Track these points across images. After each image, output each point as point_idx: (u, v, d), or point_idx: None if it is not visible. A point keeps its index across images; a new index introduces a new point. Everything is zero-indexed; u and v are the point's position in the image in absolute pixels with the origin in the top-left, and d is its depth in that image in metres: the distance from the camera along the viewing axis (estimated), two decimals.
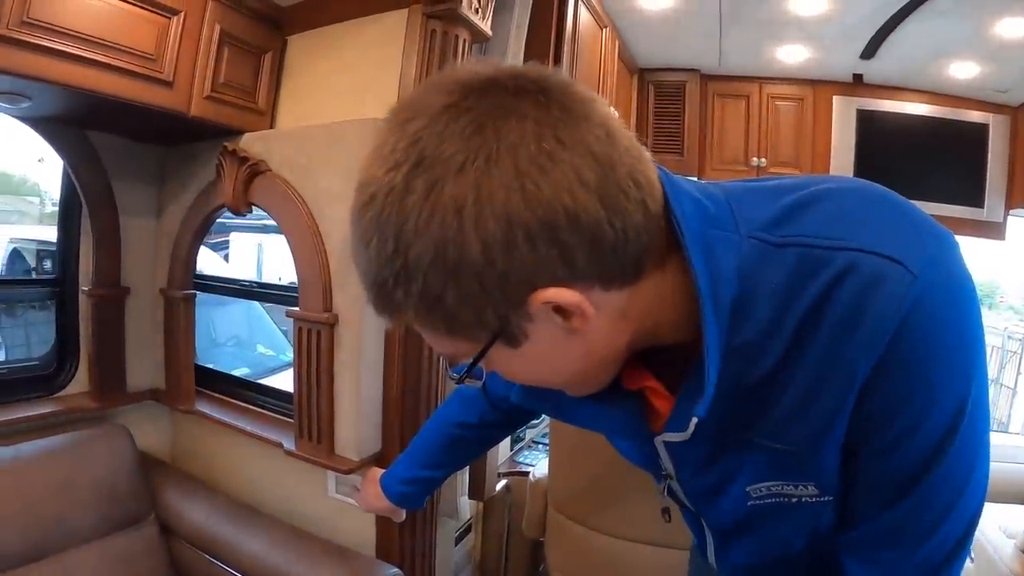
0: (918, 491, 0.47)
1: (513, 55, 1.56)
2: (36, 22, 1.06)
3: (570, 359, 0.48)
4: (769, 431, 0.50)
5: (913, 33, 2.00)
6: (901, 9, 1.88)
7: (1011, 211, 2.30)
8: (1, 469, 1.35)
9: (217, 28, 1.35)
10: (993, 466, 0.49)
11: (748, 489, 0.55)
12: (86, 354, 1.69)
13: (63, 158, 1.56)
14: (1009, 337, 4.74)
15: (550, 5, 1.70)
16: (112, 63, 1.17)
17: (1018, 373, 4.33)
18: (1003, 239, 2.31)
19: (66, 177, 1.66)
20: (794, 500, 0.54)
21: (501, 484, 1.81)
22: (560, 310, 0.43)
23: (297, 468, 1.48)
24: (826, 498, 0.52)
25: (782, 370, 0.46)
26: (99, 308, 1.62)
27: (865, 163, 2.31)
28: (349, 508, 1.49)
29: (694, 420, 0.49)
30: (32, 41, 1.05)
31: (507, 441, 2.00)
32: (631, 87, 2.45)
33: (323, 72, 1.46)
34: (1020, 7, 1.81)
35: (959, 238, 0.45)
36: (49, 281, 1.72)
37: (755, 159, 2.41)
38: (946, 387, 0.44)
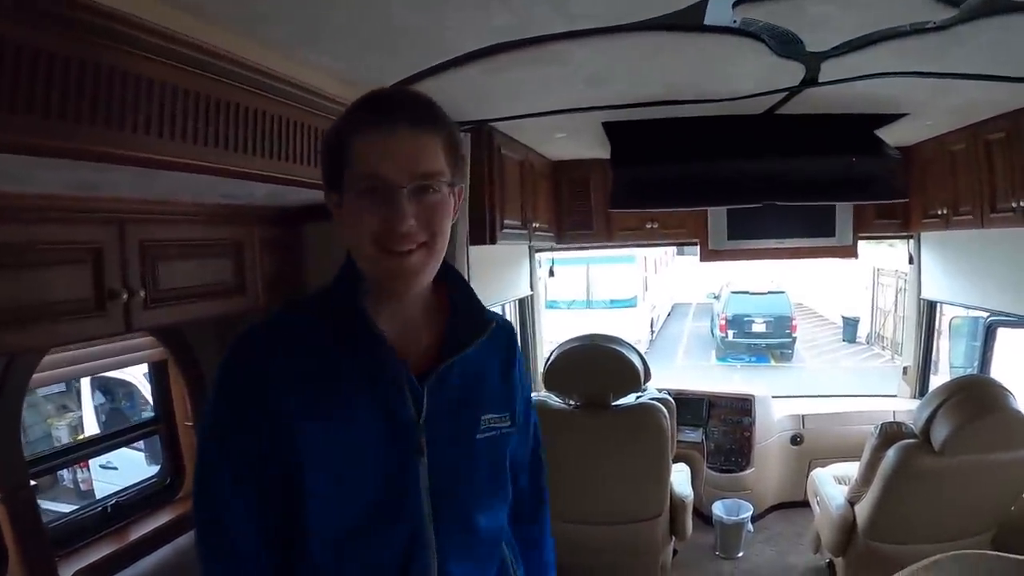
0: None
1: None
2: (165, 289, 1.66)
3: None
4: (488, 387, 0.92)
5: None
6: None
7: (859, 235, 3.02)
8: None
9: (261, 241, 1.97)
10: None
11: (481, 419, 0.88)
12: (191, 466, 2.30)
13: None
14: None
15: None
16: (208, 293, 1.79)
17: None
18: (856, 257, 3.04)
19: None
20: (498, 433, 0.90)
21: None
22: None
23: None
24: (513, 428, 0.92)
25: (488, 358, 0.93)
26: None
27: (735, 216, 3.02)
28: None
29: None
30: (166, 303, 1.65)
31: None
32: (550, 180, 3.17)
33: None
34: None
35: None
36: (151, 421, 2.34)
37: (649, 224, 3.17)
38: None
